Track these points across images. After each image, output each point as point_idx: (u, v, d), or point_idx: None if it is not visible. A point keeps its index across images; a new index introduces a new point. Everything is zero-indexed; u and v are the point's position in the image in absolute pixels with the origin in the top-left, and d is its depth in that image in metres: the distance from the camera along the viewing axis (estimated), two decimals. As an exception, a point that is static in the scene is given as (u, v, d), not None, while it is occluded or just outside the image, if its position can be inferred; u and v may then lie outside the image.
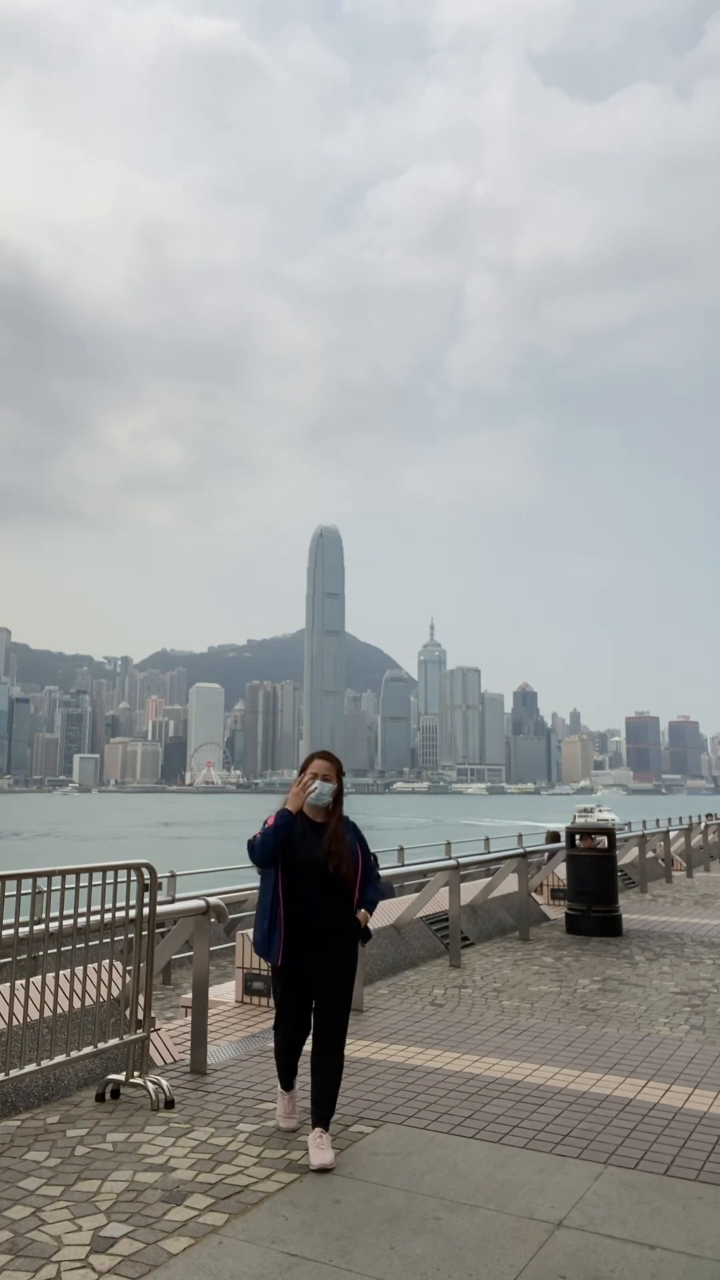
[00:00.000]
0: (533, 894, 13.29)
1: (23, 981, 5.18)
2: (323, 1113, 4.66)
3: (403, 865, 13.09)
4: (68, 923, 5.25)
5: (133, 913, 5.58)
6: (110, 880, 5.41)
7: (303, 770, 4.94)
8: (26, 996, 5.13)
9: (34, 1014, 5.18)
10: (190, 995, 6.87)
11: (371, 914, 4.88)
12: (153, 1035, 6.04)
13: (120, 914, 5.50)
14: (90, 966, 5.63)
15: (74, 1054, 5.28)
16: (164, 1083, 5.38)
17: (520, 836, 19.67)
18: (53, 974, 5.31)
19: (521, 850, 13.04)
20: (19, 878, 4.97)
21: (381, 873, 5.20)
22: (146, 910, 5.61)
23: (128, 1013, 5.66)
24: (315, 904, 4.74)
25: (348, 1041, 5.33)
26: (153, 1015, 5.82)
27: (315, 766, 4.91)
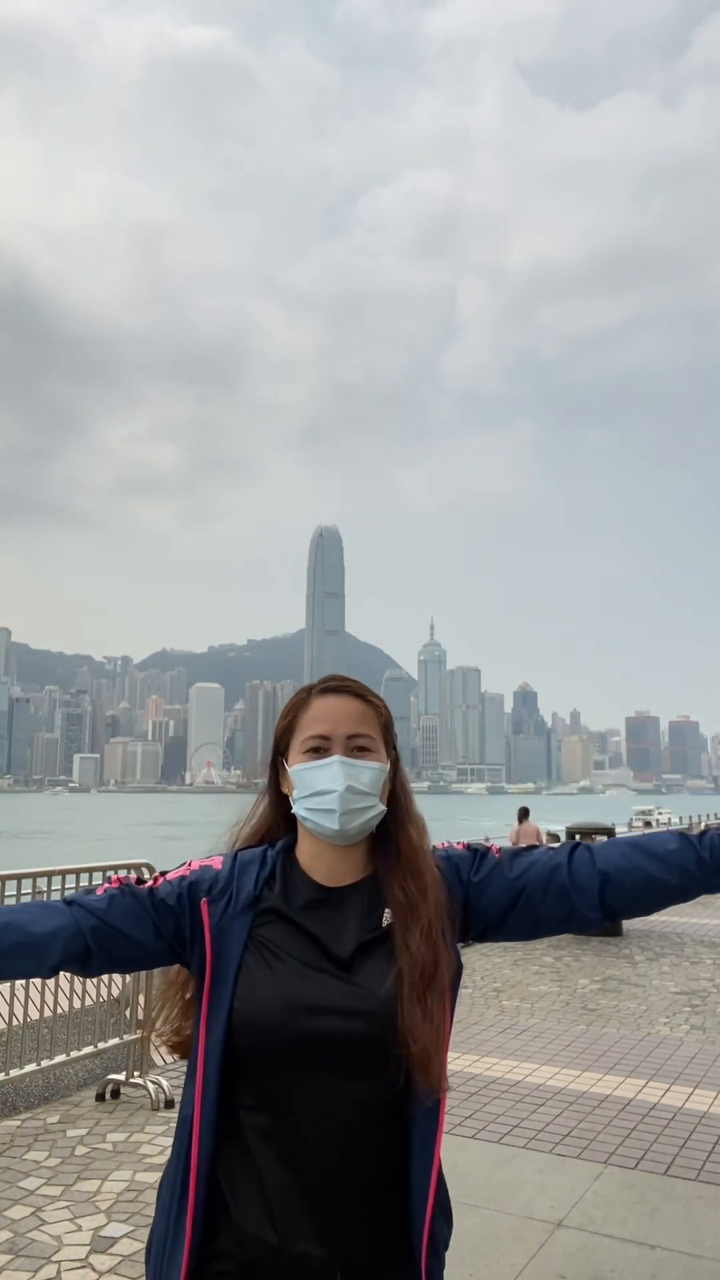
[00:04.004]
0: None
1: (23, 981, 5.18)
2: None
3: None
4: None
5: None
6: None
7: (284, 735, 1.63)
8: (26, 996, 5.13)
9: (34, 1014, 5.18)
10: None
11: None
12: (153, 1035, 6.03)
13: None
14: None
15: (74, 1054, 5.28)
16: (164, 1082, 5.38)
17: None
18: (53, 974, 5.32)
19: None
20: (19, 878, 4.97)
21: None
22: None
23: (128, 1013, 5.66)
24: (325, 1169, 1.42)
25: None
26: (153, 1015, 5.82)
27: (324, 710, 1.59)
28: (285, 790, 1.60)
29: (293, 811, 1.57)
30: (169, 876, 1.57)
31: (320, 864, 1.55)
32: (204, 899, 1.50)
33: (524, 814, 17.44)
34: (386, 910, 1.51)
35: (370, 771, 1.54)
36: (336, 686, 1.62)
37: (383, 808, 1.56)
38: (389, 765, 1.60)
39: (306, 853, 1.57)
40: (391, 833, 1.59)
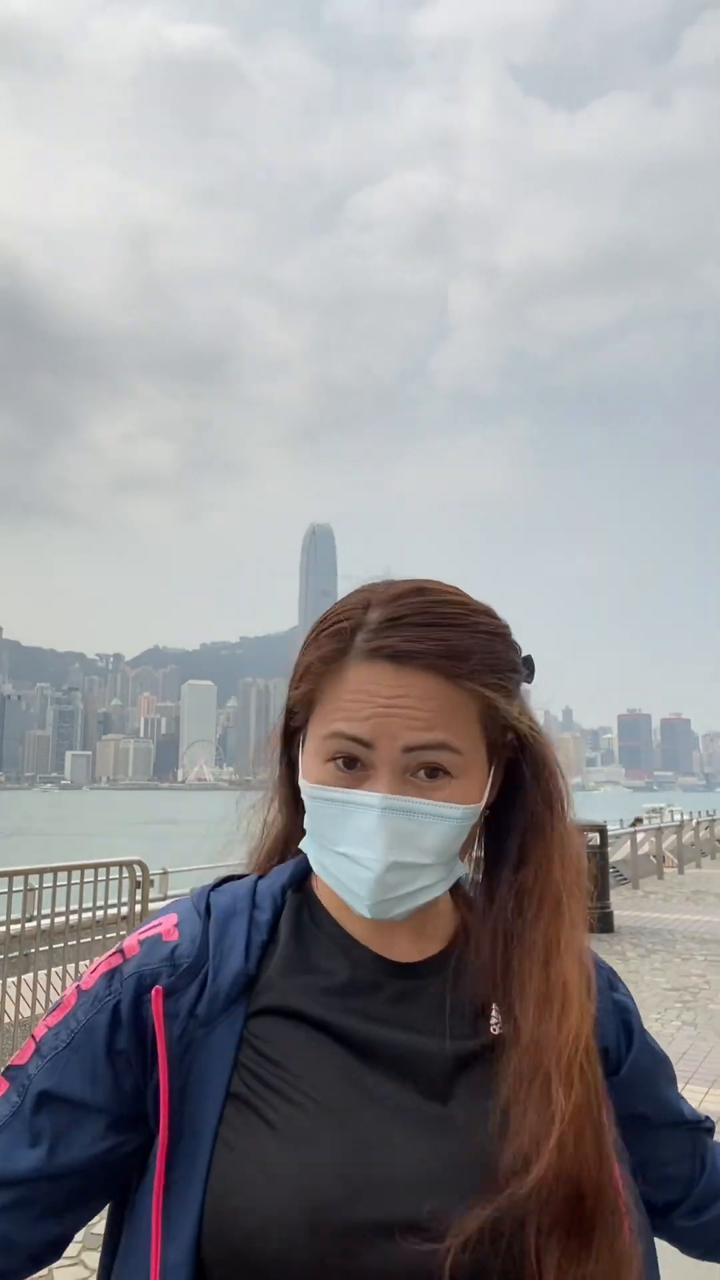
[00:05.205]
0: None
1: (14, 979, 5.18)
2: None
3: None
4: (59, 920, 5.25)
5: (125, 910, 5.57)
6: (102, 877, 5.41)
7: (299, 709, 0.87)
8: (18, 994, 5.13)
9: (25, 1011, 5.17)
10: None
11: None
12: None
13: (112, 911, 5.50)
14: (82, 964, 5.62)
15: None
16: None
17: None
18: (44, 971, 5.31)
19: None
20: (10, 875, 4.97)
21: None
22: (139, 907, 5.60)
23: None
24: None
25: None
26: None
27: (369, 688, 0.79)
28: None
29: (300, 845, 0.88)
30: (90, 980, 0.84)
31: (358, 918, 0.84)
32: (156, 988, 0.79)
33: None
34: (495, 1011, 0.83)
35: (442, 826, 0.79)
36: (399, 651, 0.79)
37: (459, 872, 0.85)
38: (484, 800, 0.83)
39: (336, 914, 0.88)
40: (507, 869, 0.87)
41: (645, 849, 18.71)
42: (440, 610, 0.81)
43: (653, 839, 19.57)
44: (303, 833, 0.89)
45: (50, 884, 5.20)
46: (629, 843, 17.49)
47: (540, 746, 0.87)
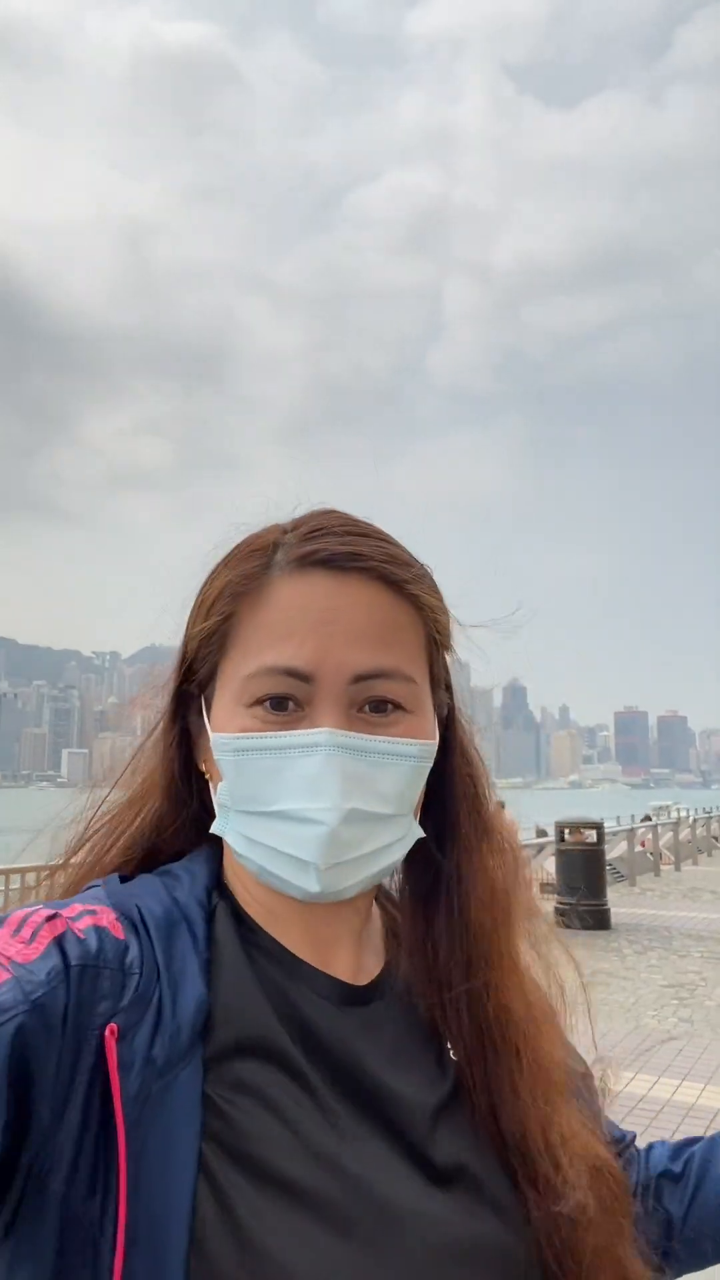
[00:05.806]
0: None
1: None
2: None
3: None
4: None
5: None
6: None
7: (209, 648, 0.72)
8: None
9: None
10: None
11: None
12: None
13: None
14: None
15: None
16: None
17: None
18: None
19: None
20: (6, 873, 4.96)
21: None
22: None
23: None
24: None
25: None
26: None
27: (303, 604, 0.67)
28: (202, 764, 0.74)
29: (213, 829, 0.70)
30: (29, 950, 0.58)
31: (292, 927, 0.70)
32: (111, 1024, 0.58)
33: (499, 807, 17.38)
34: (449, 1042, 0.74)
35: (400, 767, 0.67)
36: (335, 554, 0.68)
37: (417, 832, 0.71)
38: (437, 739, 0.72)
39: (257, 899, 0.71)
40: (442, 860, 0.76)
41: (642, 846, 18.74)
42: (362, 524, 0.72)
43: (650, 836, 19.61)
44: (186, 825, 0.75)
45: (49, 882, 5.21)
46: (626, 840, 17.52)
47: (464, 727, 0.79)
